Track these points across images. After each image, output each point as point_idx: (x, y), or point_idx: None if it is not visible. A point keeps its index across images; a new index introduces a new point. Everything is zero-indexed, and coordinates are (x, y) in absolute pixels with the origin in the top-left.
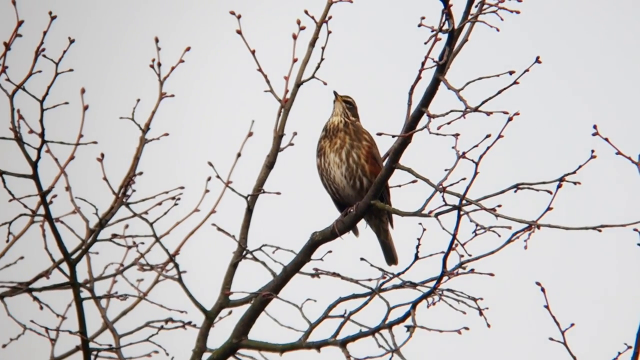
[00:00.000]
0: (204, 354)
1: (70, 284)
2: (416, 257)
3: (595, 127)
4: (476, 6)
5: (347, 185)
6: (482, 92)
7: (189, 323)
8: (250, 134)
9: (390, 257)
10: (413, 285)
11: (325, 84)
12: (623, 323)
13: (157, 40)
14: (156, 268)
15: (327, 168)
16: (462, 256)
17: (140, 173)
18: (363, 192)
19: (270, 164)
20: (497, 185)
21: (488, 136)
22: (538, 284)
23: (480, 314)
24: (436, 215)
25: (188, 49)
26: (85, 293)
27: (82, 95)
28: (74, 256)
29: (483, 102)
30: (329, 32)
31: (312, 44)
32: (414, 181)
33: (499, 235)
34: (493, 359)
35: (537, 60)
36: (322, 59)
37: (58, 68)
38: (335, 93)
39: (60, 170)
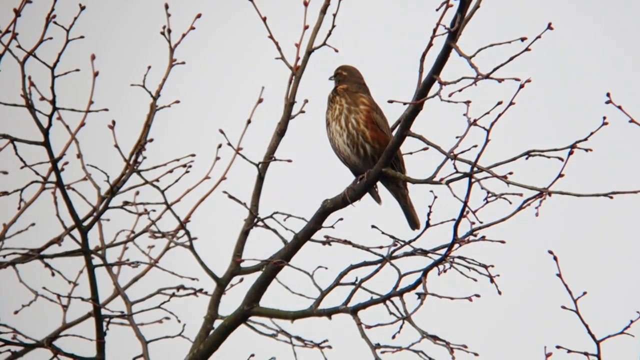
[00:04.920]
0: (215, 321)
1: (82, 251)
2: (427, 225)
3: (608, 94)
4: None
5: (352, 154)
6: (494, 59)
7: (201, 290)
8: (260, 101)
9: (413, 221)
10: (424, 252)
11: (336, 51)
12: (636, 290)
13: (167, 7)
14: (167, 235)
15: (333, 138)
16: (473, 223)
17: (151, 140)
18: (368, 159)
19: (281, 132)
20: (508, 152)
21: (499, 103)
22: (550, 252)
23: (492, 281)
24: (447, 182)
25: (199, 15)
26: (96, 260)
27: (93, 62)
28: (85, 223)
29: (495, 69)
30: None
31: (324, 10)
32: (425, 148)
33: (510, 203)
34: (504, 327)
35: (549, 27)
36: (333, 26)
37: (69, 35)
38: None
39: (71, 137)
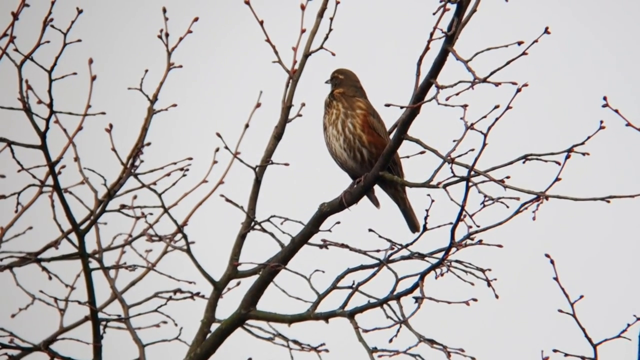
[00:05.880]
0: (212, 325)
1: (79, 255)
2: (424, 228)
3: (605, 98)
4: None
5: (349, 158)
6: (491, 62)
7: (198, 294)
8: (258, 105)
9: (412, 224)
10: (421, 256)
11: (333, 54)
12: (632, 294)
13: (164, 11)
14: (165, 239)
15: (330, 142)
16: (470, 227)
17: (149, 144)
18: (365, 163)
19: (278, 135)
20: (505, 156)
21: (496, 107)
22: (547, 255)
23: (489, 285)
24: (444, 186)
25: (196, 19)
26: (94, 263)
27: (90, 66)
28: (82, 227)
29: (492, 73)
30: (337, 3)
31: (321, 14)
32: (422, 152)
33: (508, 206)
34: (501, 331)
35: (546, 31)
36: (330, 30)
37: (66, 38)
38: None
39: (68, 140)
